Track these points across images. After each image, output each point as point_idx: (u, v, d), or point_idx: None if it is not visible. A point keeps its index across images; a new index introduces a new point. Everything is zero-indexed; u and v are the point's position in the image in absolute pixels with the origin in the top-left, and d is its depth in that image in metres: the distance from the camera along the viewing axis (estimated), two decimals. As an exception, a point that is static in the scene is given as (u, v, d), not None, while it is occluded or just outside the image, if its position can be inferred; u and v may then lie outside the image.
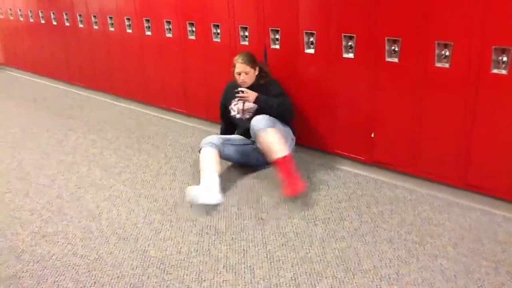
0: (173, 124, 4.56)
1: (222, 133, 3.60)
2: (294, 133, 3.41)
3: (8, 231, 2.76)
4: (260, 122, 3.08)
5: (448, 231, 2.58)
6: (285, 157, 2.98)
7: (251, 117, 3.19)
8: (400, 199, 2.95)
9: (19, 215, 2.94)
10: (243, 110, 3.38)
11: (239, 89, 3.25)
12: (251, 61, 3.34)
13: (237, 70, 3.32)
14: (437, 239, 2.51)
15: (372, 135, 3.15)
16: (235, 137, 3.40)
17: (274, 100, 3.22)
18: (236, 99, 3.38)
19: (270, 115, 3.15)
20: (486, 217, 2.70)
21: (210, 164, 3.04)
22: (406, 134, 2.99)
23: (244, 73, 3.31)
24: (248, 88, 3.31)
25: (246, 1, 3.60)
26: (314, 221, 2.73)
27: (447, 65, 2.70)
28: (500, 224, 2.63)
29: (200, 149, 3.16)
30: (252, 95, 3.23)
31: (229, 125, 3.58)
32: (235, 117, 3.45)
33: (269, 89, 3.31)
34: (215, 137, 3.23)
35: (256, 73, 3.38)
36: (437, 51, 2.71)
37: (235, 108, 3.43)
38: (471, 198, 2.83)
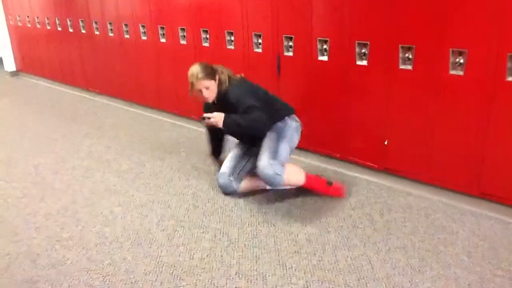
0: (186, 130, 4.59)
1: (211, 143, 3.45)
2: (290, 114, 3.10)
3: (23, 235, 2.80)
4: (267, 169, 2.82)
5: (462, 240, 2.56)
6: (306, 181, 3.00)
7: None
8: (413, 206, 2.93)
9: (34, 220, 2.98)
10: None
11: (204, 115, 2.94)
12: (209, 73, 2.98)
13: (196, 87, 2.96)
14: (450, 248, 2.49)
15: (386, 142, 3.14)
16: (239, 159, 3.20)
17: (244, 118, 2.86)
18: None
19: (243, 133, 3.07)
20: (500, 226, 2.67)
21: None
22: (420, 141, 2.98)
23: (205, 88, 2.97)
24: (213, 102, 3.05)
25: (260, 8, 3.62)
26: (327, 229, 2.73)
27: (461, 73, 2.69)
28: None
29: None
30: (219, 118, 2.91)
31: (215, 136, 3.37)
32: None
33: (233, 102, 2.94)
34: (226, 181, 3.13)
35: (217, 82, 3.02)
36: (451, 59, 2.70)
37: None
38: (485, 207, 2.81)
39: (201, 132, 4.46)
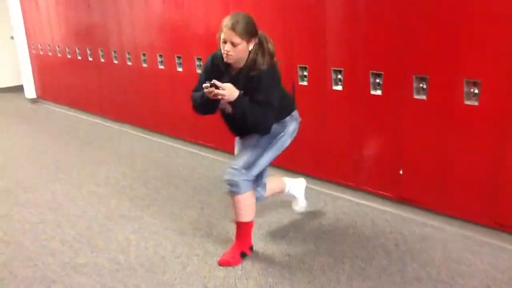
0: (201, 158, 4.62)
1: (201, 108, 2.69)
2: (293, 111, 2.74)
3: (39, 261, 2.82)
4: (235, 176, 2.56)
5: (480, 272, 2.51)
6: (247, 223, 2.73)
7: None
8: (429, 237, 2.90)
9: (50, 245, 3.01)
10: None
11: (212, 82, 2.34)
12: (247, 31, 2.40)
13: (223, 36, 2.40)
14: (468, 280, 2.45)
15: (401, 172, 3.13)
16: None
17: (253, 113, 2.43)
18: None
19: (241, 124, 2.54)
20: (519, 259, 2.63)
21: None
22: (435, 171, 2.97)
23: (231, 43, 2.38)
24: (236, 73, 2.51)
25: (274, 38, 3.68)
26: (341, 259, 2.70)
27: (476, 103, 2.69)
28: None
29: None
30: (229, 94, 2.38)
31: (210, 105, 2.60)
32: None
33: (258, 86, 2.45)
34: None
35: (251, 48, 2.46)
36: (465, 89, 2.71)
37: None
38: (503, 238, 2.76)
39: (216, 160, 4.49)
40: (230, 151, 4.38)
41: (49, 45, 6.88)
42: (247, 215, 2.69)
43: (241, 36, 2.37)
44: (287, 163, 3.67)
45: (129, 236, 3.09)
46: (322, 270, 2.60)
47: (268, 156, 2.67)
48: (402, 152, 3.11)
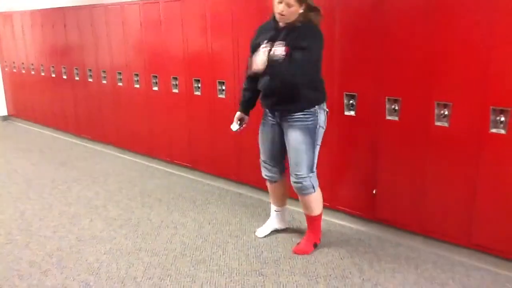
0: (176, 177, 4.58)
1: (246, 89, 3.01)
2: (322, 98, 2.86)
3: (5, 284, 2.73)
4: (306, 181, 2.86)
5: (452, 291, 2.53)
6: (319, 215, 3.03)
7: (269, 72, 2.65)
8: (402, 257, 2.92)
9: (18, 267, 2.91)
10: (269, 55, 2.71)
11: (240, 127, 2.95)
12: None
13: None
14: (440, 300, 2.46)
15: (374, 192, 3.16)
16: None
17: (291, 66, 2.61)
18: (265, 41, 2.74)
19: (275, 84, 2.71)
20: (490, 277, 2.66)
21: (271, 199, 3.27)
22: (409, 191, 3.00)
23: (286, 4, 2.61)
24: (283, 28, 2.71)
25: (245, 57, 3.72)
26: (315, 278, 2.69)
27: (446, 124, 2.75)
28: (504, 284, 2.59)
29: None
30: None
31: (253, 79, 2.88)
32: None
33: (300, 32, 2.65)
34: (267, 167, 3.09)
35: (301, 11, 2.66)
36: (436, 111, 2.78)
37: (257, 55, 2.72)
38: (476, 257, 2.80)
39: (192, 179, 4.46)
40: (206, 171, 4.38)
41: (23, 63, 6.78)
42: (318, 208, 3.00)
43: None
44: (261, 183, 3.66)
45: (100, 257, 3.02)
46: (296, 290, 2.58)
47: (317, 149, 2.88)
48: (374, 172, 3.14)
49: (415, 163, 2.95)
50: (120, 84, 5.10)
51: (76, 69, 5.73)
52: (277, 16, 2.68)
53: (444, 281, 2.63)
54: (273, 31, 2.75)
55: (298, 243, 3.07)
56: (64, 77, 5.98)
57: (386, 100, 2.98)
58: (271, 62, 2.62)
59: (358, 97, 3.13)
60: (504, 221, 2.65)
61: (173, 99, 4.48)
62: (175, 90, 4.44)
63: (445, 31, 2.67)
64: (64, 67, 5.95)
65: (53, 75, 6.19)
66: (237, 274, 2.77)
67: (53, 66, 6.16)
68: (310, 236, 3.06)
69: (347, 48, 3.13)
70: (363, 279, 2.68)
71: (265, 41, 2.75)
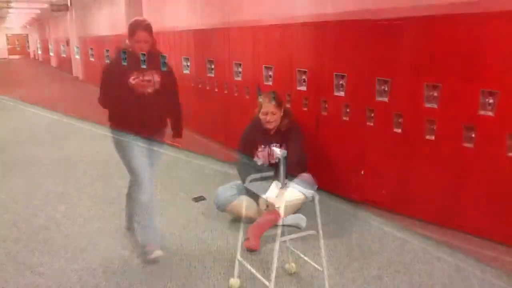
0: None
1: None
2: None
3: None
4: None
5: (438, 271, 2.57)
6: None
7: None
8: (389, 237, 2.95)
9: (4, 245, 2.89)
10: (269, 155, 3.23)
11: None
12: (279, 103, 3.24)
13: (264, 109, 3.21)
14: (425, 279, 2.49)
15: (362, 173, 3.19)
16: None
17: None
18: (263, 146, 3.23)
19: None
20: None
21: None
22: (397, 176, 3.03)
23: (272, 113, 3.19)
24: (270, 132, 3.20)
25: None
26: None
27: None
28: (489, 264, 2.63)
29: None
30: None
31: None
32: (257, 164, 3.26)
33: (289, 137, 3.18)
34: None
35: (281, 115, 3.24)
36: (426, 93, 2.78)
37: (261, 155, 3.26)
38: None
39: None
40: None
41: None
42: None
43: (277, 107, 3.19)
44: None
45: (87, 235, 3.01)
46: None
47: None
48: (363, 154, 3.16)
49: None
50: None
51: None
52: (265, 124, 3.21)
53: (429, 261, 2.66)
54: (264, 137, 3.21)
55: None
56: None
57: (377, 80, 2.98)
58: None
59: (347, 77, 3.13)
60: (489, 203, 2.68)
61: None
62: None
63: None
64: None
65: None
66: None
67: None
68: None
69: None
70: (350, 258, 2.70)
71: (262, 146, 3.22)
